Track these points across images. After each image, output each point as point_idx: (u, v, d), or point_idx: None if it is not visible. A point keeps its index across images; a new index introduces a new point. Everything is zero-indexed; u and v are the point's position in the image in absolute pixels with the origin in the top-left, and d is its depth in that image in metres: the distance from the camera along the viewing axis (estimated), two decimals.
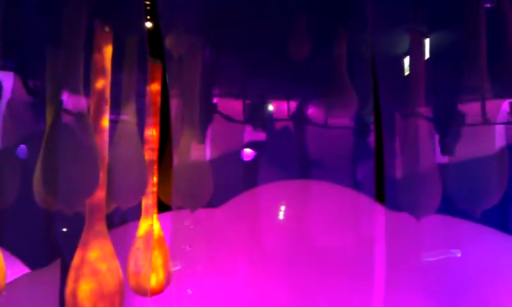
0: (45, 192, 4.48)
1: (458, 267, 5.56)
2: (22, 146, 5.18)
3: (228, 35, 5.70)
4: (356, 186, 5.96)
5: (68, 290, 4.40)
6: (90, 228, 4.51)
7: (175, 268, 5.35)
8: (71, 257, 4.65)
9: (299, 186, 6.18)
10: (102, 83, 4.75)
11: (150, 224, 5.03)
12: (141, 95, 5.19)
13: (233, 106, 6.09)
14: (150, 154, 5.12)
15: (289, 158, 6.19)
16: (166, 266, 5.05)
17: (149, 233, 5.01)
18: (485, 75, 4.84)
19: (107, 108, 4.72)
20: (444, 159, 5.07)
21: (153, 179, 5.09)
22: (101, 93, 4.73)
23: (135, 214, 5.11)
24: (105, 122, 4.68)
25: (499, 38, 4.96)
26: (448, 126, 5.14)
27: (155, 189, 5.08)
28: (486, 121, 4.91)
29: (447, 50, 5.30)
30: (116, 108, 4.95)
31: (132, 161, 4.85)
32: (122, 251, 4.81)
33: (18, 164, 5.01)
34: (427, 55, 5.21)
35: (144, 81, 5.19)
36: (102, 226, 4.54)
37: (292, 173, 6.16)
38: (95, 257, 4.43)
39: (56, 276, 5.29)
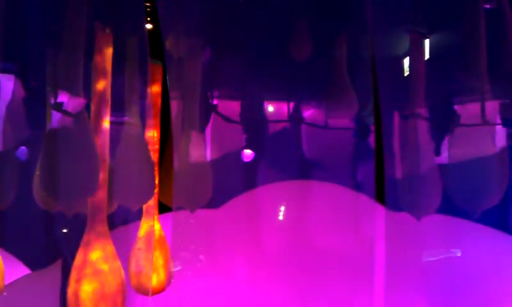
0: (45, 193, 4.49)
1: (458, 267, 5.57)
2: (22, 147, 5.18)
3: (228, 36, 5.71)
4: (356, 186, 5.97)
5: (70, 290, 4.41)
6: (92, 229, 4.52)
7: (175, 268, 5.36)
8: (71, 258, 4.65)
9: (299, 187, 6.18)
10: (103, 84, 4.76)
11: (151, 224, 5.04)
12: (141, 97, 5.19)
13: (233, 107, 6.09)
14: (151, 155, 5.13)
15: (289, 159, 6.19)
16: (166, 266, 5.06)
17: (150, 233, 5.02)
18: (485, 75, 4.85)
19: (108, 109, 4.73)
20: (444, 159, 5.07)
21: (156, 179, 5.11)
22: (102, 94, 4.74)
23: (136, 215, 5.12)
24: (106, 123, 4.69)
25: (499, 39, 4.97)
26: (448, 126, 5.15)
27: (156, 190, 5.10)
28: (486, 121, 4.92)
29: (446, 51, 5.30)
30: (116, 110, 4.96)
31: (141, 163, 4.87)
32: (123, 251, 4.82)
33: (18, 166, 5.01)
34: (427, 56, 5.22)
35: (144, 83, 5.20)
36: (103, 227, 4.55)
37: (292, 173, 6.16)
38: (97, 257, 4.44)
39: (57, 277, 5.29)
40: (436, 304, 5.54)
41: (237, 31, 5.63)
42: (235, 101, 6.11)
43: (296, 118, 6.22)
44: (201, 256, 5.75)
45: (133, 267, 4.97)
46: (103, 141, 4.64)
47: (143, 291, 4.95)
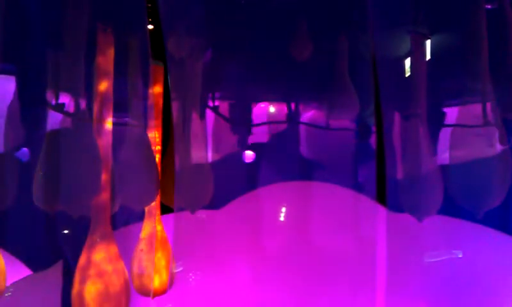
0: (46, 194, 4.49)
1: (460, 268, 5.57)
2: (24, 149, 5.18)
3: (230, 37, 5.71)
4: (357, 187, 5.96)
5: (74, 291, 4.42)
6: (96, 230, 4.53)
7: (178, 269, 5.36)
8: (73, 259, 4.65)
9: (300, 188, 6.18)
10: (105, 85, 4.76)
11: (153, 225, 5.04)
12: (142, 97, 5.19)
13: (234, 108, 6.10)
14: (154, 156, 5.13)
15: (290, 160, 6.19)
16: (169, 267, 5.07)
17: (152, 234, 5.02)
18: (486, 76, 4.86)
19: (111, 110, 4.73)
20: (446, 160, 5.08)
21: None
22: (104, 95, 4.74)
23: (138, 216, 5.12)
24: (109, 125, 4.69)
25: (500, 39, 4.97)
26: (449, 127, 5.15)
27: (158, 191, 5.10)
28: (487, 122, 4.92)
29: (448, 52, 5.31)
30: (118, 111, 4.96)
31: (144, 164, 4.87)
32: (125, 252, 4.82)
33: (19, 167, 5.01)
34: (428, 57, 5.22)
35: (145, 83, 5.19)
36: (107, 228, 4.55)
37: (292, 174, 6.16)
38: (101, 258, 4.45)
39: (58, 278, 5.30)
40: (438, 304, 5.54)
41: (238, 31, 5.63)
42: (237, 101, 6.11)
43: (296, 118, 6.22)
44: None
45: (135, 269, 4.97)
46: (106, 142, 4.64)
47: (145, 292, 4.95)
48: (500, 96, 5.03)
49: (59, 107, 4.62)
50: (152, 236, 5.01)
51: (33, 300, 5.35)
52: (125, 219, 5.26)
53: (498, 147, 4.88)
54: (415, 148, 5.07)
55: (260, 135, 6.17)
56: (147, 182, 4.87)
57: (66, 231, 5.47)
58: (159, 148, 5.29)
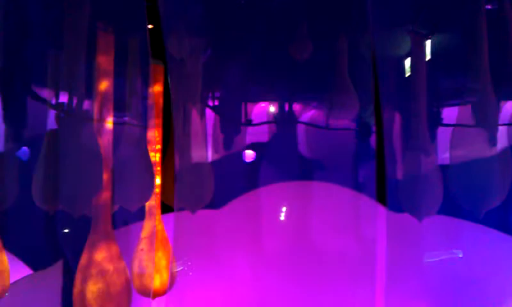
0: (45, 194, 4.49)
1: (459, 268, 5.57)
2: (24, 148, 5.18)
3: (230, 37, 5.71)
4: (358, 187, 5.96)
5: (76, 290, 4.43)
6: (97, 229, 4.54)
7: (178, 268, 5.36)
8: (73, 258, 4.66)
9: (300, 187, 6.18)
10: (105, 85, 4.77)
11: (153, 225, 5.04)
12: (143, 97, 5.20)
13: (234, 107, 6.10)
14: (153, 155, 5.13)
15: (290, 159, 6.19)
16: (169, 267, 5.06)
17: (152, 234, 5.02)
18: (487, 76, 4.86)
19: (111, 110, 4.74)
20: (446, 160, 5.08)
21: (156, 180, 5.11)
22: (104, 94, 4.75)
23: (138, 215, 5.12)
24: (109, 124, 4.69)
25: (500, 39, 4.97)
26: (450, 127, 5.16)
27: (158, 190, 5.10)
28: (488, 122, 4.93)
29: (448, 52, 5.31)
30: (118, 110, 4.96)
31: (140, 163, 4.87)
32: (126, 251, 4.83)
33: (20, 166, 5.01)
34: (428, 57, 5.23)
35: (146, 83, 5.20)
36: (108, 227, 4.57)
37: (293, 174, 6.16)
38: (102, 258, 4.46)
39: (58, 277, 5.30)
40: (437, 304, 5.55)
41: (238, 31, 5.63)
42: (237, 101, 6.11)
43: (296, 118, 6.22)
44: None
45: (136, 268, 4.97)
46: (106, 142, 4.65)
47: (146, 292, 4.95)
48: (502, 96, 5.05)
49: (60, 107, 4.62)
50: (153, 236, 5.01)
51: (33, 299, 5.35)
52: (125, 219, 5.27)
53: (499, 147, 4.89)
54: (415, 148, 5.07)
55: (260, 135, 6.17)
56: (141, 182, 4.87)
57: (66, 231, 5.47)
58: (159, 147, 5.29)
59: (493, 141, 4.87)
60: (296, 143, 6.19)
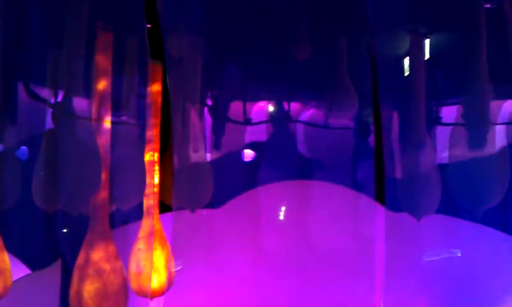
0: (44, 193, 4.50)
1: (458, 267, 5.57)
2: (23, 147, 5.18)
3: (229, 36, 5.71)
4: (356, 186, 5.97)
5: (73, 290, 4.43)
6: (94, 228, 4.54)
7: (176, 268, 5.36)
8: (72, 258, 4.66)
9: (299, 186, 6.18)
10: (104, 84, 4.77)
11: (151, 224, 5.04)
12: (141, 96, 5.20)
13: (234, 107, 6.10)
14: (151, 155, 5.13)
15: (289, 159, 6.19)
16: (167, 266, 5.06)
17: (150, 233, 5.02)
18: (486, 75, 4.86)
19: (109, 109, 4.74)
20: (445, 159, 5.08)
21: (154, 180, 5.11)
22: (103, 94, 4.75)
23: (136, 215, 5.12)
24: (107, 123, 4.70)
25: (499, 38, 4.97)
26: (448, 126, 5.16)
27: (156, 190, 5.10)
28: (487, 121, 4.92)
29: (447, 51, 5.32)
30: (117, 109, 4.96)
31: (131, 162, 4.87)
32: (124, 251, 4.82)
33: (19, 166, 5.02)
34: (427, 56, 5.23)
35: (144, 82, 5.20)
36: (105, 226, 4.57)
37: (292, 173, 6.16)
38: (99, 257, 4.46)
39: (57, 277, 5.29)
40: (436, 304, 5.55)
41: (237, 30, 5.64)
42: (236, 100, 6.11)
43: (295, 117, 6.23)
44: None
45: (133, 268, 4.96)
46: (104, 141, 4.65)
47: (143, 292, 4.94)
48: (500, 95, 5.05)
49: (58, 106, 4.63)
50: (151, 235, 5.00)
51: (32, 299, 5.34)
52: (123, 218, 5.26)
53: (497, 146, 4.89)
54: (414, 147, 5.07)
55: (259, 134, 6.17)
56: (133, 181, 4.87)
57: (65, 230, 5.47)
58: (157, 146, 5.28)
59: (491, 140, 4.87)
60: (294, 142, 6.19)
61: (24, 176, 4.82)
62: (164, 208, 5.34)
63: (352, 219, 5.91)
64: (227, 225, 5.93)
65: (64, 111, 4.54)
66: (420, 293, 5.53)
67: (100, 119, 4.68)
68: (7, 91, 4.99)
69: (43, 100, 4.85)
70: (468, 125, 4.92)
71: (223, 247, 5.85)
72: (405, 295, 5.50)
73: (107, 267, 4.47)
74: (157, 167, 5.15)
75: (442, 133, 5.27)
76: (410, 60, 5.25)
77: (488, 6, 5.00)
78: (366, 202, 5.78)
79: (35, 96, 5.10)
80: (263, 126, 6.17)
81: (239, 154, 6.13)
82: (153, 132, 5.17)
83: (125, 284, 4.55)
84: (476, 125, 4.89)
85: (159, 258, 5.04)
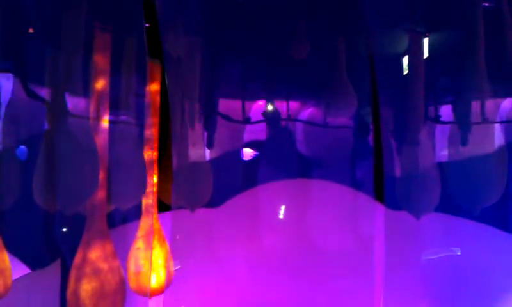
0: (45, 193, 4.49)
1: (458, 266, 5.57)
2: (22, 147, 5.18)
3: (227, 35, 5.71)
4: (356, 185, 5.97)
5: (70, 289, 4.43)
6: (91, 228, 4.54)
7: (175, 267, 5.36)
8: (71, 257, 4.66)
9: (298, 185, 6.19)
10: (102, 84, 4.77)
11: (150, 223, 5.04)
12: (140, 95, 5.20)
13: (232, 106, 6.10)
14: (150, 154, 5.13)
15: (289, 157, 6.19)
16: (166, 266, 5.06)
17: (149, 232, 5.02)
18: (484, 74, 4.86)
19: (107, 108, 4.74)
20: (444, 158, 5.08)
21: (153, 179, 5.11)
22: (101, 93, 4.75)
23: (135, 214, 5.12)
24: (105, 123, 4.70)
25: (498, 37, 4.97)
26: (447, 125, 5.16)
27: (155, 189, 5.10)
28: (485, 120, 4.92)
29: (445, 50, 5.31)
30: (115, 109, 4.96)
31: (131, 162, 4.87)
32: (122, 250, 4.83)
33: (18, 165, 5.02)
34: (425, 55, 5.23)
35: (143, 81, 5.20)
36: (103, 226, 4.57)
37: (291, 172, 6.16)
38: (96, 256, 4.46)
39: (57, 276, 5.30)
40: (436, 302, 5.55)
41: (236, 29, 5.64)
42: (234, 100, 6.11)
43: (294, 116, 6.23)
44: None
45: (132, 267, 4.97)
46: (103, 140, 4.65)
47: (142, 291, 4.95)
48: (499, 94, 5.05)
49: (58, 106, 4.62)
50: (150, 235, 5.01)
51: (32, 299, 5.35)
52: (122, 217, 5.27)
53: (496, 144, 4.89)
54: (413, 146, 5.07)
55: (258, 133, 6.18)
56: (133, 180, 4.88)
57: (64, 230, 5.48)
58: (156, 145, 5.29)
59: (489, 138, 4.88)
60: (294, 141, 6.19)
61: (23, 175, 4.82)
62: (163, 207, 5.34)
63: (351, 217, 5.91)
64: (226, 224, 5.93)
65: (62, 110, 4.53)
66: (420, 291, 5.54)
67: (98, 118, 4.68)
68: (6, 90, 5.00)
69: (42, 100, 4.85)
70: (465, 124, 4.92)
71: (222, 246, 5.86)
72: (405, 293, 5.50)
73: (104, 266, 4.47)
74: (155, 167, 5.15)
75: (441, 132, 5.27)
76: (409, 59, 5.24)
77: (486, 4, 5.00)
78: (365, 200, 5.78)
79: (34, 96, 5.10)
80: (262, 125, 6.17)
81: (238, 153, 6.13)
82: (151, 131, 5.17)
83: (122, 284, 4.56)
84: (473, 123, 4.89)
85: (158, 257, 5.04)
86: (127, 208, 5.03)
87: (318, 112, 6.15)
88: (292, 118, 6.19)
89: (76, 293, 4.40)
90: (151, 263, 4.94)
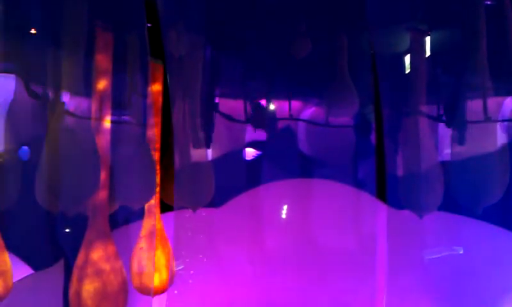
0: (48, 193, 4.49)
1: (460, 265, 5.56)
2: (24, 147, 5.18)
3: (229, 34, 5.71)
4: (358, 184, 5.96)
5: (72, 290, 4.43)
6: (93, 228, 4.53)
7: (178, 267, 5.37)
8: (74, 258, 4.66)
9: (300, 185, 6.18)
10: (104, 84, 4.77)
11: (153, 223, 5.04)
12: (142, 96, 5.20)
13: (234, 106, 6.09)
14: (152, 154, 5.13)
15: (291, 157, 6.19)
16: (169, 265, 5.06)
17: (152, 232, 5.02)
18: (486, 72, 4.85)
19: (109, 109, 4.74)
20: (446, 157, 5.08)
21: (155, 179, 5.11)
22: (103, 93, 4.75)
23: (138, 214, 5.12)
24: (107, 123, 4.69)
25: (500, 35, 4.97)
26: (449, 124, 5.15)
27: (157, 189, 5.10)
28: (488, 118, 4.92)
29: (447, 48, 5.31)
30: (117, 108, 4.96)
31: (141, 162, 4.87)
32: (125, 250, 4.83)
33: (20, 166, 5.02)
34: (427, 53, 5.22)
35: (145, 81, 5.20)
36: (105, 226, 4.56)
37: (293, 171, 6.16)
38: (99, 257, 4.46)
39: (60, 277, 5.29)
40: (438, 301, 5.54)
41: (237, 29, 5.63)
42: (237, 99, 6.11)
43: (296, 116, 6.22)
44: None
45: (135, 267, 4.97)
46: (104, 141, 4.65)
47: (145, 291, 4.95)
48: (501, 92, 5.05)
49: (60, 106, 4.62)
50: (152, 235, 5.01)
51: (35, 299, 5.35)
52: (125, 218, 5.27)
53: (498, 143, 4.89)
54: (415, 145, 5.07)
55: (260, 132, 6.17)
56: (144, 180, 4.87)
57: (67, 230, 5.48)
58: (158, 146, 5.28)
59: (492, 137, 4.87)
60: (296, 141, 6.19)
61: (25, 176, 4.82)
62: (165, 207, 5.35)
63: (353, 216, 5.91)
64: (228, 224, 5.93)
65: (64, 111, 4.53)
66: (422, 290, 5.53)
67: (100, 118, 4.68)
68: (9, 91, 5.00)
69: (44, 100, 4.85)
70: (468, 123, 4.92)
71: (224, 246, 5.86)
72: (407, 292, 5.50)
73: (106, 266, 4.47)
74: (157, 167, 5.15)
75: (443, 131, 5.27)
76: (411, 57, 5.24)
77: (488, 2, 5.00)
78: (367, 200, 5.77)
79: (36, 96, 5.10)
80: (264, 125, 6.17)
81: (240, 153, 6.13)
82: (154, 132, 5.17)
83: (124, 284, 4.55)
84: (476, 122, 4.89)
85: (160, 257, 5.04)
86: (137, 208, 5.04)
87: (320, 111, 6.15)
88: (293, 117, 6.18)
89: (78, 293, 4.39)
90: (154, 263, 4.94)
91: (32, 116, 5.11)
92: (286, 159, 6.16)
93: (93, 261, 4.44)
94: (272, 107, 6.25)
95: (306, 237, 5.89)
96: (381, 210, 5.51)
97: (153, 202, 5.09)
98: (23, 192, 4.80)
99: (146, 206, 5.10)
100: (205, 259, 5.79)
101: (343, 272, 5.75)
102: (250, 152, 6.15)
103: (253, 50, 5.80)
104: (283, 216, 6.11)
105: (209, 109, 5.88)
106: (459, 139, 4.98)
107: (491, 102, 4.94)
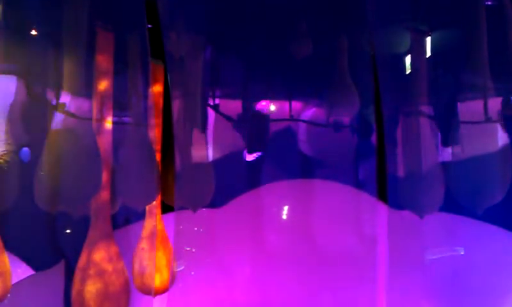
0: (47, 194, 4.50)
1: (461, 265, 5.56)
2: (25, 148, 5.18)
3: (230, 35, 5.70)
4: (358, 185, 5.96)
5: (74, 290, 4.43)
6: (95, 229, 4.54)
7: (178, 268, 5.37)
8: (75, 258, 4.66)
9: (301, 185, 6.18)
10: (105, 85, 4.77)
11: (154, 224, 5.05)
12: (143, 97, 5.20)
13: (235, 106, 6.09)
14: (155, 155, 5.14)
15: (291, 158, 6.18)
16: (170, 266, 5.07)
17: (153, 233, 5.03)
18: (487, 72, 4.86)
19: (111, 109, 4.74)
20: (447, 157, 5.08)
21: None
22: (104, 94, 4.75)
23: (139, 215, 5.13)
24: (109, 124, 4.70)
25: (501, 35, 4.97)
26: (450, 124, 5.15)
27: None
28: (488, 118, 4.92)
29: (448, 48, 5.31)
30: (118, 110, 4.96)
31: (145, 163, 4.88)
32: (126, 251, 4.83)
33: (21, 167, 5.02)
34: (428, 54, 5.22)
35: (146, 82, 5.20)
36: (107, 227, 4.57)
37: (294, 172, 6.16)
38: (101, 258, 4.46)
39: (60, 278, 5.30)
40: (439, 301, 5.54)
41: (238, 29, 5.63)
42: (237, 100, 6.11)
43: (297, 116, 6.22)
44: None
45: (136, 267, 4.98)
46: (106, 141, 4.65)
47: (147, 291, 4.96)
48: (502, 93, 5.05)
49: (60, 107, 4.63)
50: (153, 235, 5.02)
51: (35, 300, 5.35)
52: (126, 218, 5.27)
53: (499, 144, 4.89)
54: (416, 145, 5.07)
55: (260, 133, 6.17)
56: (148, 181, 4.88)
57: (68, 231, 5.48)
58: (159, 147, 5.29)
59: (492, 137, 4.87)
60: (296, 141, 6.18)
61: (26, 177, 4.82)
62: (166, 208, 5.35)
63: (354, 217, 5.90)
64: (229, 225, 5.93)
65: (65, 111, 4.53)
66: (423, 291, 5.53)
67: (101, 119, 4.68)
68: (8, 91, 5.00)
69: (45, 101, 4.85)
70: (468, 123, 4.92)
71: (225, 247, 5.85)
72: (408, 293, 5.49)
73: (108, 267, 4.48)
74: (158, 168, 5.15)
75: (444, 131, 5.26)
76: (411, 58, 5.24)
77: (489, 2, 5.00)
78: (368, 200, 5.77)
79: (37, 97, 5.11)
80: (264, 126, 6.16)
81: (241, 153, 6.12)
82: (154, 132, 5.18)
83: (127, 285, 4.56)
84: (477, 122, 4.89)
85: (161, 258, 5.05)
86: (141, 209, 5.04)
87: (320, 111, 6.14)
88: (294, 118, 6.18)
89: (81, 294, 4.40)
90: (155, 263, 4.95)
91: (33, 117, 5.11)
92: (286, 160, 6.16)
93: (96, 262, 4.45)
94: (272, 107, 6.25)
95: (306, 238, 5.89)
96: (382, 211, 5.51)
97: (154, 203, 5.10)
98: (23, 193, 4.80)
99: (147, 207, 5.10)
100: (206, 260, 5.79)
101: (343, 272, 5.75)
102: (250, 153, 6.15)
103: (253, 50, 5.79)
104: (284, 216, 6.11)
105: (210, 109, 5.88)
106: (459, 140, 4.97)
107: (492, 102, 4.94)
